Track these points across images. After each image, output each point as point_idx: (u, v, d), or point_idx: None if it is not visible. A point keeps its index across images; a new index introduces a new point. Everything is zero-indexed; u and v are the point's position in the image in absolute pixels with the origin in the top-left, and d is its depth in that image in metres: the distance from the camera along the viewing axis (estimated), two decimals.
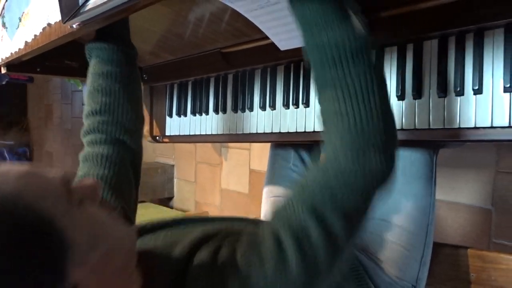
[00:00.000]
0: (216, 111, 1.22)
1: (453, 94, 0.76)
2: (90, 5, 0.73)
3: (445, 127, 0.77)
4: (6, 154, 4.78)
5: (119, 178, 0.79)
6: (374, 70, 0.58)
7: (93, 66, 0.89)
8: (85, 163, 0.80)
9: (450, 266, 1.00)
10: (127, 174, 0.83)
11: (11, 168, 0.43)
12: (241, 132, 1.14)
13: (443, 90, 0.76)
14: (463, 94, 0.75)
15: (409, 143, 0.91)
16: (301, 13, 0.62)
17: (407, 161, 0.94)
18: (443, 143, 1.00)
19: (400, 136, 0.83)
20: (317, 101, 0.80)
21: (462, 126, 0.75)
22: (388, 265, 0.89)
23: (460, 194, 1.59)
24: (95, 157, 0.79)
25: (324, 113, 0.62)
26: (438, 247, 1.00)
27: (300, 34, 0.64)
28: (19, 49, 1.09)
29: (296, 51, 0.96)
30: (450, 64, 0.76)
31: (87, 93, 0.88)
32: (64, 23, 0.79)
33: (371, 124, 0.57)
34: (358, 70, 0.57)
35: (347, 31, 0.59)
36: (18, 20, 1.08)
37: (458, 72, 0.75)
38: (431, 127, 0.78)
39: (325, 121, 0.62)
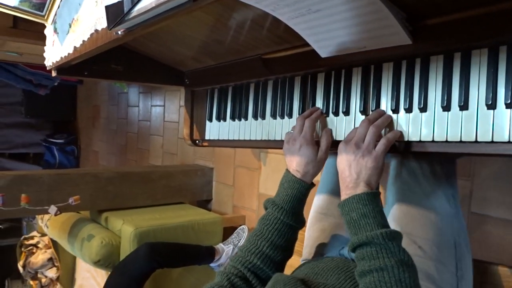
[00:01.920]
0: (255, 117, 1.22)
1: (503, 106, 0.72)
2: (134, 13, 0.75)
3: (493, 140, 0.73)
4: (55, 152, 5.00)
5: None
6: (402, 260, 0.71)
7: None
8: None
9: (483, 284, 0.95)
10: None
11: None
12: (279, 139, 1.14)
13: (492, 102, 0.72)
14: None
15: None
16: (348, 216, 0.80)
17: (428, 178, 0.92)
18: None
19: (444, 148, 0.80)
20: (357, 109, 0.94)
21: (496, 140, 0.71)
22: (423, 281, 0.86)
23: (495, 208, 1.50)
24: None
25: None
26: (488, 265, 0.95)
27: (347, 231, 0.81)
28: (68, 53, 1.14)
29: (337, 59, 0.94)
30: (501, 75, 0.72)
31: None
32: (110, 29, 0.82)
33: None
34: (392, 261, 0.70)
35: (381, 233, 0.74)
36: (68, 26, 1.12)
37: (510, 83, 0.71)
38: (478, 140, 0.75)
39: None
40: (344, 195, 0.82)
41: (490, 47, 0.74)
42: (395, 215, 0.97)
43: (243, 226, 2.58)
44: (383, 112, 0.88)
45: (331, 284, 0.78)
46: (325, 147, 0.95)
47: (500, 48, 0.73)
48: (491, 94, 0.73)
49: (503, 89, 0.72)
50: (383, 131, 0.87)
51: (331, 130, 0.98)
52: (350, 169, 0.82)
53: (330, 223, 1.14)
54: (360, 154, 0.82)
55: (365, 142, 0.83)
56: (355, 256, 0.77)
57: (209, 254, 2.33)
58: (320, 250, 1.10)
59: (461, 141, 0.77)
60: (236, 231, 2.57)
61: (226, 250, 2.42)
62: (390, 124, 0.87)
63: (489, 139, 0.73)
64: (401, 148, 0.85)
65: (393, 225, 0.94)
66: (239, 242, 2.48)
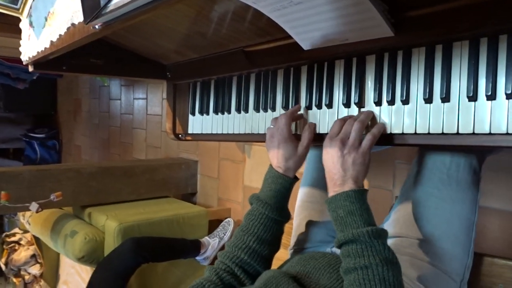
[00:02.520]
0: (238, 110, 1.21)
1: (484, 98, 0.72)
2: (111, 6, 0.73)
3: (475, 132, 0.73)
4: (36, 147, 4.91)
5: None
6: (386, 259, 0.72)
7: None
8: None
9: (476, 275, 0.96)
10: None
11: None
12: (263, 132, 1.13)
13: (473, 94, 0.73)
14: (494, 99, 0.71)
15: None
16: (335, 213, 0.80)
17: (453, 178, 0.91)
18: (488, 152, 0.97)
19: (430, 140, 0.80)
20: (340, 102, 0.94)
21: (493, 132, 0.71)
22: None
23: (491, 198, 1.53)
24: None
25: None
26: (483, 257, 0.96)
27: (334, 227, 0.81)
28: (45, 48, 1.11)
29: (320, 51, 0.94)
30: (482, 67, 0.73)
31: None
32: (87, 24, 0.80)
33: None
34: (377, 259, 0.71)
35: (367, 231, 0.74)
36: (44, 20, 1.09)
37: (490, 75, 0.71)
38: (460, 132, 0.75)
39: None
40: (332, 192, 0.82)
41: (471, 39, 0.74)
42: (409, 216, 0.95)
43: (228, 219, 2.58)
44: (368, 113, 0.88)
45: (322, 284, 0.79)
46: (306, 143, 0.95)
47: (481, 40, 0.73)
48: (472, 86, 0.73)
49: (483, 81, 0.72)
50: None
51: (314, 125, 0.97)
52: (337, 166, 0.82)
53: (316, 209, 1.14)
54: (346, 150, 0.82)
55: (350, 138, 0.83)
56: (340, 252, 0.77)
57: (195, 247, 2.32)
58: (308, 237, 1.11)
59: (443, 133, 0.77)
60: (221, 224, 2.57)
61: (212, 243, 2.41)
62: (373, 118, 0.87)
63: (471, 131, 0.74)
64: (384, 141, 0.86)
65: (406, 224, 0.94)
66: (224, 235, 2.47)
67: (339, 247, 0.77)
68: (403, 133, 0.83)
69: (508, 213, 1.50)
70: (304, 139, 0.95)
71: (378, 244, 0.73)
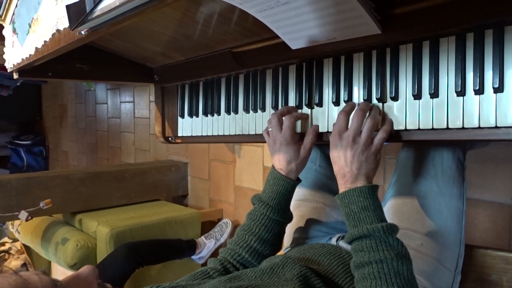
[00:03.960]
0: (228, 111, 1.21)
1: (472, 92, 0.73)
2: (97, 12, 0.72)
3: (464, 127, 0.74)
4: (23, 154, 4.85)
5: None
6: (400, 253, 0.73)
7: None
8: None
9: (469, 267, 0.97)
10: None
11: (3, 282, 0.48)
12: (253, 133, 1.13)
13: (461, 89, 0.74)
14: (482, 93, 0.72)
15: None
16: (348, 208, 0.80)
17: (439, 168, 0.92)
18: (469, 144, 0.98)
19: (418, 136, 0.81)
20: (330, 100, 0.94)
21: (482, 125, 0.72)
22: (423, 278, 0.88)
23: (479, 190, 1.55)
24: None
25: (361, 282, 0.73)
26: (475, 249, 0.97)
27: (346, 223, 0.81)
28: (30, 55, 1.09)
29: (308, 50, 0.94)
30: (469, 62, 0.74)
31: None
32: (72, 30, 0.79)
33: None
34: (392, 254, 0.72)
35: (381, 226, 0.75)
36: (28, 26, 1.08)
37: (477, 69, 0.72)
38: (449, 127, 0.76)
39: None
40: (343, 188, 0.82)
41: (457, 34, 0.75)
42: (402, 208, 0.96)
43: (226, 220, 2.56)
44: (371, 104, 0.87)
45: (323, 269, 0.80)
46: (309, 146, 0.94)
47: (467, 35, 0.74)
48: (460, 81, 0.74)
49: (471, 76, 0.73)
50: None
51: (318, 127, 0.96)
52: (350, 165, 0.82)
53: (308, 207, 1.15)
54: (359, 149, 0.82)
55: (362, 136, 0.82)
56: (352, 247, 0.77)
57: (190, 247, 2.31)
58: (302, 235, 1.11)
59: (433, 129, 0.78)
60: (218, 224, 2.55)
61: (208, 244, 2.40)
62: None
63: (460, 126, 0.74)
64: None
65: (397, 216, 0.95)
66: (221, 236, 2.46)
67: (351, 242, 0.78)
68: (393, 130, 0.84)
69: (497, 204, 1.52)
70: (306, 143, 0.94)
71: (392, 240, 0.73)
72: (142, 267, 2.04)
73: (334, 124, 0.87)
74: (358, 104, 0.87)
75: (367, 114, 0.85)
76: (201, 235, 2.50)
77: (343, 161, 0.83)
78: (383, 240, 0.73)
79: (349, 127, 0.84)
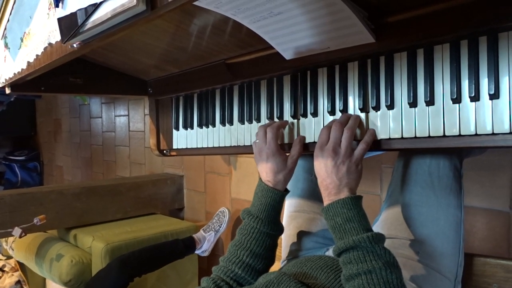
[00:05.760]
0: (223, 123, 1.20)
1: (467, 99, 0.73)
2: (89, 24, 0.71)
3: (461, 134, 0.74)
4: (17, 170, 4.81)
5: None
6: (388, 262, 0.72)
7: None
8: None
9: (470, 275, 0.96)
10: None
11: None
12: (249, 144, 1.12)
13: (457, 96, 0.73)
14: (478, 100, 0.72)
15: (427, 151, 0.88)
16: (333, 221, 0.79)
17: (435, 177, 0.91)
18: (466, 152, 0.98)
19: (414, 144, 0.80)
20: (325, 110, 0.94)
21: (479, 132, 0.71)
22: (421, 287, 0.86)
23: (476, 198, 1.55)
24: None
25: None
26: (475, 257, 0.96)
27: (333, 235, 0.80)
28: (22, 69, 1.08)
29: (302, 60, 0.94)
30: (464, 69, 0.73)
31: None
32: (64, 43, 0.78)
33: None
34: (379, 263, 0.71)
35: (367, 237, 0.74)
36: (20, 41, 1.07)
37: (472, 76, 0.72)
38: (446, 134, 0.75)
39: None
40: (327, 200, 0.82)
41: (451, 42, 0.75)
42: (399, 217, 0.95)
43: (223, 209, 2.51)
44: (350, 115, 0.87)
45: (320, 284, 0.78)
46: (296, 157, 0.94)
47: (461, 42, 0.74)
48: (455, 89, 0.73)
49: (466, 82, 0.73)
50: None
51: (304, 138, 0.96)
52: (332, 176, 0.81)
53: (304, 218, 1.14)
54: (340, 160, 0.82)
55: (342, 147, 0.83)
56: (340, 260, 0.76)
57: (189, 246, 2.28)
58: (298, 247, 1.10)
59: (429, 136, 0.78)
60: (216, 214, 2.50)
61: (208, 237, 2.36)
62: (360, 124, 0.87)
63: (457, 133, 0.74)
64: (372, 147, 0.85)
65: (394, 225, 0.94)
66: (220, 227, 2.41)
67: (339, 255, 0.77)
68: (389, 138, 0.83)
69: (495, 212, 1.52)
70: (293, 153, 0.94)
71: (379, 249, 0.73)
72: (140, 277, 2.01)
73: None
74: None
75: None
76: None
77: (324, 172, 0.83)
78: (370, 250, 0.72)
79: (329, 139, 0.84)
